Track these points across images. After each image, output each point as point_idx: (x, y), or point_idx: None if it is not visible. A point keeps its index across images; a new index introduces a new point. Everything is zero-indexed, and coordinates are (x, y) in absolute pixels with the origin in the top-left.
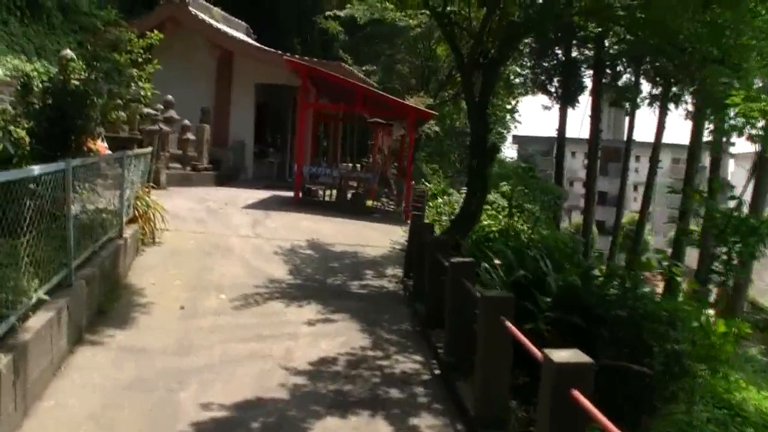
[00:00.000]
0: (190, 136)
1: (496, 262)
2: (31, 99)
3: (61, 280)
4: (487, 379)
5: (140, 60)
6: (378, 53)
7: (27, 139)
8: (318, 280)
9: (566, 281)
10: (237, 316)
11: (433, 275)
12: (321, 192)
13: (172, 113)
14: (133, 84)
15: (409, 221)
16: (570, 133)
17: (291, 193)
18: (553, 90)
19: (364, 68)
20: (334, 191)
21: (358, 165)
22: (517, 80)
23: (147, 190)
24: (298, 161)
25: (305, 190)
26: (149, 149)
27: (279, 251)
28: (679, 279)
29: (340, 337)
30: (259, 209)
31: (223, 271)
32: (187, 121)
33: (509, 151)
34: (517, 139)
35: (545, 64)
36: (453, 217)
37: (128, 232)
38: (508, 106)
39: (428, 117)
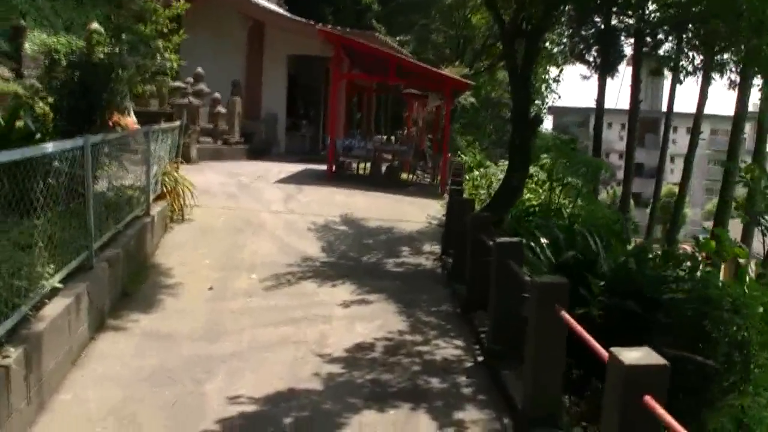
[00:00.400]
0: (221, 109)
1: (543, 240)
2: (56, 73)
3: (81, 263)
4: (538, 371)
5: (166, 31)
6: (412, 23)
7: (51, 115)
8: (352, 258)
9: (620, 263)
10: (268, 297)
11: (475, 255)
12: (354, 165)
13: (203, 86)
14: (158, 56)
15: (446, 195)
16: (606, 103)
17: (324, 167)
18: (591, 59)
19: (398, 38)
20: (368, 164)
21: (392, 137)
22: (555, 49)
23: (176, 165)
24: (331, 134)
25: (338, 164)
26: (177, 123)
27: (312, 227)
28: (741, 261)
29: (377, 320)
30: (291, 183)
31: (254, 249)
32: (217, 94)
33: (545, 123)
34: (552, 110)
35: (583, 33)
36: (491, 191)
37: (156, 209)
38: (546, 76)
39: (465, 87)
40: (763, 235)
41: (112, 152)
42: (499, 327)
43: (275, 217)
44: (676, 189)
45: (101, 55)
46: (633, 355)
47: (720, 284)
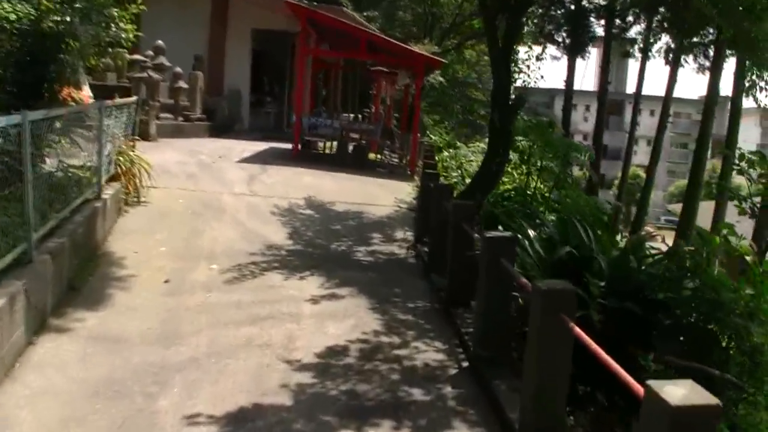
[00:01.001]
0: (183, 84)
1: (531, 232)
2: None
3: (18, 256)
4: (539, 387)
5: None
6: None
7: None
8: (320, 246)
9: (618, 260)
10: (230, 291)
11: (458, 247)
12: (320, 144)
13: (163, 60)
14: (113, 25)
15: (416, 177)
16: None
17: (289, 146)
18: (560, 40)
19: (365, 14)
20: (335, 144)
21: (359, 116)
22: (525, 29)
23: (131, 143)
24: (296, 111)
25: (304, 143)
26: (134, 99)
27: (277, 211)
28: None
29: (349, 319)
30: (255, 163)
31: (214, 235)
32: (179, 69)
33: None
34: (517, 90)
35: (553, 13)
36: (462, 172)
37: (109, 191)
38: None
39: (437, 65)
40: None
41: (60, 129)
42: (487, 330)
43: (237, 199)
44: (639, 171)
45: (51, 24)
46: (678, 394)
47: (732, 287)
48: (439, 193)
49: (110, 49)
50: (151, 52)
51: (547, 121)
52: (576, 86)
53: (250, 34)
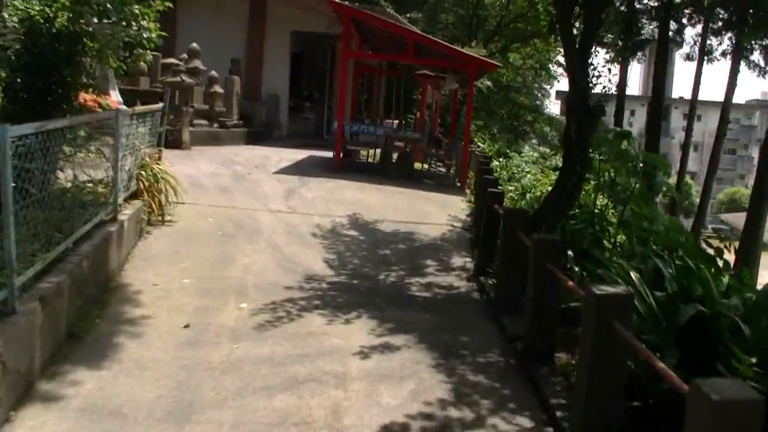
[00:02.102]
0: (218, 89)
1: (633, 275)
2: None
3: None
4: None
5: None
6: (422, 1)
7: (1, 96)
8: (367, 276)
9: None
10: (262, 340)
11: (542, 294)
12: (363, 153)
13: (197, 63)
14: (134, 23)
15: (467, 190)
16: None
17: (329, 154)
18: (612, 42)
19: (408, 16)
20: (377, 152)
21: (403, 122)
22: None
23: (157, 155)
24: (338, 118)
25: (345, 151)
26: (159, 105)
27: (317, 232)
28: None
29: (408, 382)
30: (293, 174)
31: (246, 263)
32: (214, 73)
33: (553, 108)
34: (560, 94)
35: (603, 16)
36: (516, 185)
37: (127, 211)
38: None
39: (490, 68)
40: None
41: (66, 143)
42: (592, 417)
43: (274, 217)
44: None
45: (64, 23)
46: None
47: None
48: (510, 220)
49: (133, 51)
50: (185, 56)
51: (623, 132)
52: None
53: (289, 36)
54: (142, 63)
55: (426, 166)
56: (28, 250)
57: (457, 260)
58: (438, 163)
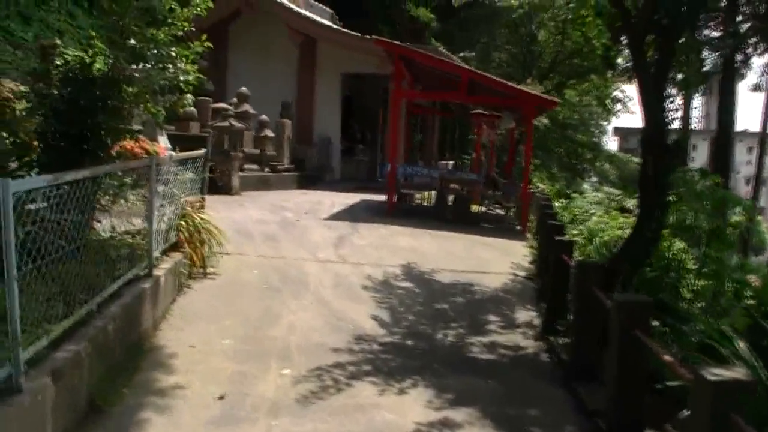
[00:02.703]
0: (269, 132)
1: (741, 345)
2: (47, 91)
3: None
4: None
5: (182, 34)
6: (473, 40)
7: (37, 144)
8: (423, 335)
9: None
10: (304, 416)
11: (628, 360)
12: (417, 195)
13: (247, 107)
14: (171, 65)
15: (528, 234)
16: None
17: (382, 197)
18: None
19: (461, 55)
20: (431, 193)
21: (457, 163)
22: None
23: (199, 203)
24: (391, 160)
25: (399, 195)
26: (201, 151)
27: (369, 284)
28: None
29: None
30: (345, 220)
31: (292, 321)
32: (264, 117)
33: (611, 144)
34: (618, 131)
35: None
36: (580, 228)
37: (165, 265)
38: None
39: (549, 106)
40: None
41: (96, 196)
42: None
43: (322, 268)
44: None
45: (100, 66)
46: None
47: None
48: (584, 275)
49: (168, 96)
50: (235, 100)
51: (703, 170)
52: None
53: (339, 78)
54: (184, 107)
55: (483, 208)
56: (43, 315)
57: (522, 315)
58: (495, 206)
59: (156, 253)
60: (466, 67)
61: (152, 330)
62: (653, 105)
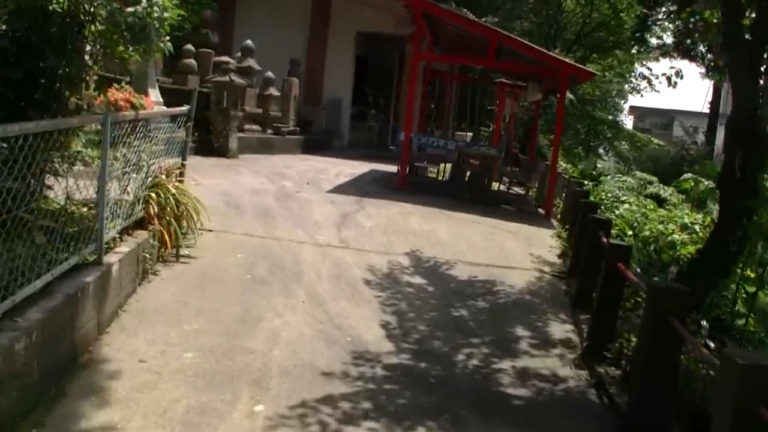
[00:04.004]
0: (274, 91)
1: None
2: None
3: None
4: None
5: None
6: (496, 6)
7: None
8: (439, 356)
9: None
10: None
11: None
12: (430, 169)
13: (251, 63)
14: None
15: (554, 220)
16: (689, 105)
17: (393, 168)
18: (700, 55)
19: (483, 20)
20: (445, 167)
21: (474, 135)
22: (655, 41)
23: (178, 171)
24: (406, 129)
25: (411, 167)
26: (183, 108)
27: (373, 278)
28: None
29: None
30: (350, 194)
31: (275, 327)
32: (270, 74)
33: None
34: (634, 110)
35: (690, 26)
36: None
37: (123, 247)
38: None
39: (583, 77)
40: None
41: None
42: None
43: (321, 255)
44: None
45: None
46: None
47: None
48: (657, 300)
49: (143, 36)
50: (239, 54)
51: None
52: (696, 108)
53: (354, 37)
54: (160, 52)
55: (502, 187)
56: None
57: (557, 328)
58: (514, 183)
59: (112, 233)
60: (496, 29)
61: (96, 334)
62: (745, 86)
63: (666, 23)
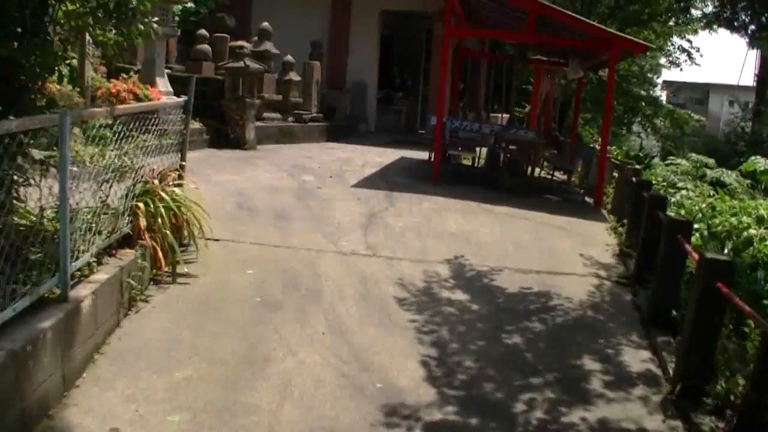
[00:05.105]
0: (294, 76)
1: None
2: None
3: None
4: None
5: None
6: None
7: None
8: (492, 406)
9: None
10: None
11: None
12: (461, 154)
13: (268, 46)
14: None
15: (604, 211)
16: (723, 78)
17: (424, 155)
18: (742, 25)
19: None
20: (479, 152)
21: (513, 119)
22: (697, 13)
23: (174, 173)
24: (438, 111)
25: (446, 156)
26: (178, 100)
27: (407, 295)
28: None
29: None
30: (378, 188)
31: (288, 370)
32: (290, 57)
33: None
34: (667, 84)
35: None
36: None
37: (100, 275)
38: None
39: (640, 50)
40: None
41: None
42: None
43: (345, 266)
44: None
45: None
46: None
47: None
48: None
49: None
50: (255, 38)
51: None
52: (733, 81)
53: (378, 16)
54: (146, 35)
55: (542, 173)
56: None
57: (631, 356)
58: (555, 170)
59: (85, 258)
60: None
61: (60, 392)
62: None
63: None
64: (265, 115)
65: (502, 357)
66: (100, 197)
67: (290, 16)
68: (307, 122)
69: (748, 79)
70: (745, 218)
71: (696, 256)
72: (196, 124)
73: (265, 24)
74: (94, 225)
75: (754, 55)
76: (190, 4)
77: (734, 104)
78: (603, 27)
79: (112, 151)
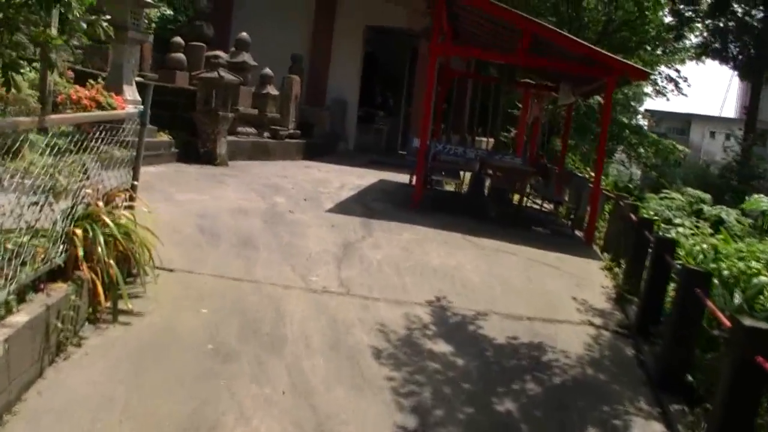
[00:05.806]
0: (272, 90)
1: None
2: None
3: None
4: None
5: None
6: (513, 4)
7: None
8: None
9: None
10: None
11: None
12: (443, 179)
13: (245, 57)
14: None
15: (595, 246)
16: (704, 109)
17: (404, 177)
18: (731, 57)
19: None
20: (463, 177)
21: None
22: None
23: (124, 195)
24: (422, 134)
25: (429, 181)
26: (131, 111)
27: (384, 345)
28: None
29: None
30: (355, 214)
31: None
32: (268, 70)
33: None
34: (649, 113)
35: (721, 24)
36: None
37: (19, 317)
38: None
39: (639, 77)
40: None
41: None
42: None
43: (314, 307)
44: None
45: None
46: None
47: None
48: None
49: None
50: (233, 48)
51: None
52: (714, 112)
53: (362, 31)
54: (93, 34)
55: (531, 203)
56: None
57: (641, 430)
58: (539, 197)
59: (1, 297)
60: (532, 18)
61: None
62: None
63: (695, 24)
64: (240, 129)
65: (493, 430)
66: (26, 221)
67: (271, 28)
68: (284, 139)
69: (730, 110)
70: (754, 263)
71: (727, 322)
72: (164, 137)
73: (244, 34)
74: (14, 255)
75: (736, 86)
76: (168, 12)
77: (715, 135)
78: (605, 52)
79: (42, 168)
